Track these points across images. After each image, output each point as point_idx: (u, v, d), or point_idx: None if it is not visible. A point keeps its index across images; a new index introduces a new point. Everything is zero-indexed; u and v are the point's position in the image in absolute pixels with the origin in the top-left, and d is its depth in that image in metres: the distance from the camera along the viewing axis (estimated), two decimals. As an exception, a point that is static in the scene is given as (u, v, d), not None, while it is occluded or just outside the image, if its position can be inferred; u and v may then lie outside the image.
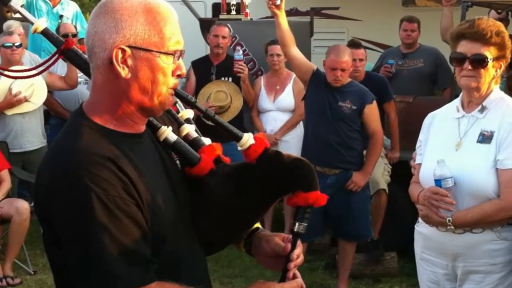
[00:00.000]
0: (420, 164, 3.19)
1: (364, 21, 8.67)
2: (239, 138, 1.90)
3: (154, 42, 1.71)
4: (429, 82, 6.75)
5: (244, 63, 6.49)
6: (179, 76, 1.79)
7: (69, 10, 7.74)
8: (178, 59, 1.76)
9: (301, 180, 1.88)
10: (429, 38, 6.84)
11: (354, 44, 5.98)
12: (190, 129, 1.95)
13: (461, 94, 3.15)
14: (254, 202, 1.93)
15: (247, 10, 7.51)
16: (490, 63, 2.96)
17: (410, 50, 6.87)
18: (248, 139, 1.90)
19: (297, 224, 1.92)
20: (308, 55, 6.41)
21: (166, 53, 1.73)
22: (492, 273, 2.96)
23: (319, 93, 5.16)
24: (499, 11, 6.41)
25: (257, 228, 2.05)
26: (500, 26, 3.04)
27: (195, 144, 1.92)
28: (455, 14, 5.94)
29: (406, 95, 6.39)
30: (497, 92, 3.07)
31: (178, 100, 1.95)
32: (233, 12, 7.55)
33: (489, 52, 2.95)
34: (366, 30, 8.47)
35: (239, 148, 1.91)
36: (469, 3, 5.52)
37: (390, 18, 7.62)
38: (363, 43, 6.77)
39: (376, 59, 7.23)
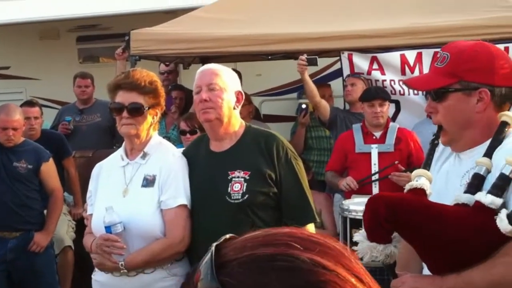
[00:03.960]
0: (92, 215, 3.22)
1: (42, 79, 8.63)
2: None
3: None
4: (109, 135, 6.81)
5: None
6: None
7: None
8: None
9: None
10: (106, 92, 6.93)
11: (27, 102, 5.94)
12: None
13: (124, 143, 3.28)
14: None
15: None
16: (147, 111, 3.13)
17: (86, 105, 6.89)
18: None
19: None
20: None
21: None
22: None
23: (-8, 155, 4.95)
24: (167, 63, 6.79)
25: None
26: (153, 76, 3.23)
27: None
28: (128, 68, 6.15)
29: (87, 149, 6.40)
30: (156, 138, 3.24)
31: None
32: None
33: (145, 101, 3.12)
34: (44, 88, 8.47)
35: None
36: (137, 56, 5.73)
37: (67, 75, 7.59)
38: (42, 102, 6.70)
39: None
